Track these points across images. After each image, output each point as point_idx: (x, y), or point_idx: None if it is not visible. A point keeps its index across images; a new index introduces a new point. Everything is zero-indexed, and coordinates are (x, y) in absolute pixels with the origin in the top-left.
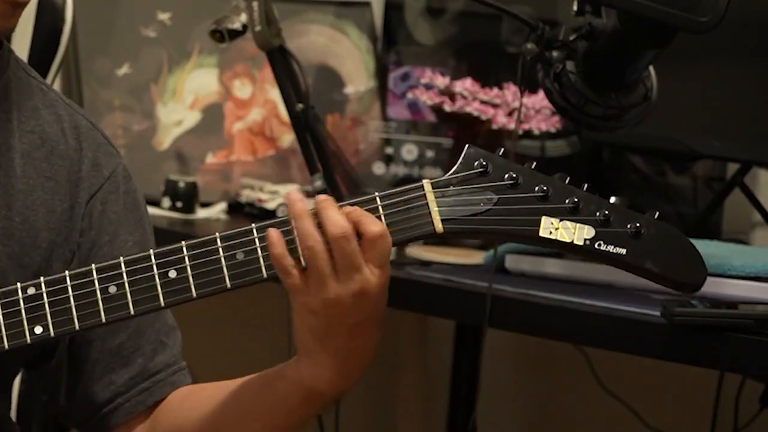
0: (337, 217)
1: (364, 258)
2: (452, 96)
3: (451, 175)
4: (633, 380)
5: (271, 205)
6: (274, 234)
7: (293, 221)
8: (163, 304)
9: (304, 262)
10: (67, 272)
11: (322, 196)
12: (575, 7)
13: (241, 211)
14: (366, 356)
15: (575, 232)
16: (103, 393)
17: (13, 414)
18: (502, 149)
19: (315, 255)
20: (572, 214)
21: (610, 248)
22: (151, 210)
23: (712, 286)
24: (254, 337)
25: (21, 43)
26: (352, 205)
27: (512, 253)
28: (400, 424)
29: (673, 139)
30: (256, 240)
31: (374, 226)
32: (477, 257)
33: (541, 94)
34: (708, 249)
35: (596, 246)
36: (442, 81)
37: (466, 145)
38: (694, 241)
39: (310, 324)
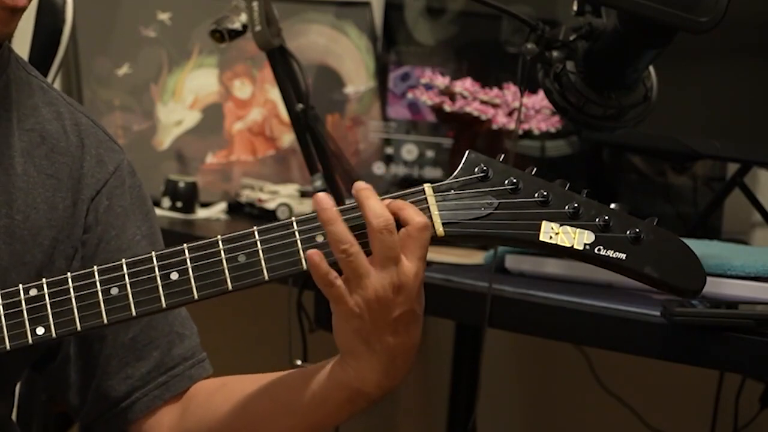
0: (381, 208)
1: (404, 249)
2: (452, 96)
3: (452, 179)
4: (633, 380)
5: (271, 205)
6: (315, 255)
7: (325, 227)
8: (164, 305)
9: (341, 265)
10: (69, 273)
11: (361, 184)
12: (575, 7)
13: (241, 211)
14: (410, 353)
15: (575, 237)
16: (119, 387)
17: (13, 414)
18: (503, 155)
19: (351, 257)
20: (572, 219)
21: (610, 253)
22: None
23: (712, 286)
24: (254, 340)
25: (21, 43)
26: (352, 208)
27: (512, 253)
28: (400, 424)
29: (673, 139)
30: (258, 242)
31: (419, 216)
32: (477, 257)
33: (541, 94)
34: (708, 249)
35: (596, 251)
36: (442, 81)
37: (467, 151)
38: (694, 241)
39: (354, 327)
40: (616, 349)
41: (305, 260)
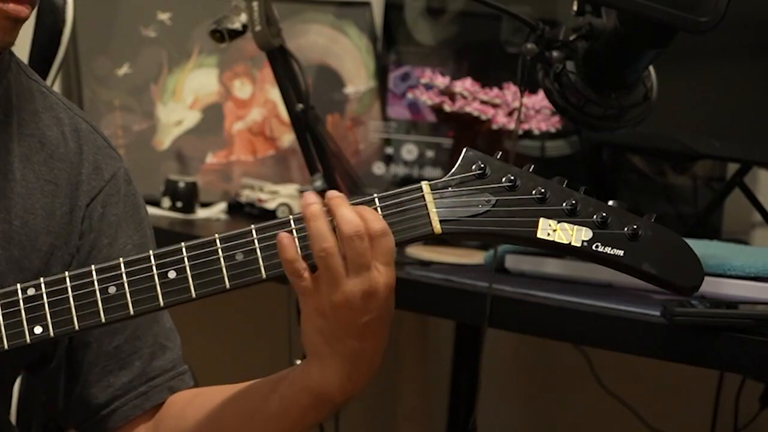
0: (351, 215)
1: (372, 256)
2: (452, 96)
3: (449, 176)
4: (633, 380)
5: (271, 205)
6: (285, 238)
7: (307, 223)
8: (162, 304)
9: (317, 263)
10: (66, 273)
11: (333, 193)
12: (575, 7)
13: (241, 211)
14: (375, 359)
15: (573, 234)
16: (100, 395)
17: (12, 413)
18: (500, 152)
19: (329, 257)
20: (570, 215)
21: (608, 250)
22: (151, 210)
23: (712, 286)
24: (254, 340)
25: (21, 44)
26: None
27: (512, 253)
28: (400, 424)
29: (673, 139)
30: (256, 241)
31: (376, 223)
32: (477, 257)
33: (541, 94)
34: (708, 249)
35: (594, 247)
36: (442, 81)
37: (465, 148)
38: (694, 241)
39: (319, 327)
40: (616, 349)
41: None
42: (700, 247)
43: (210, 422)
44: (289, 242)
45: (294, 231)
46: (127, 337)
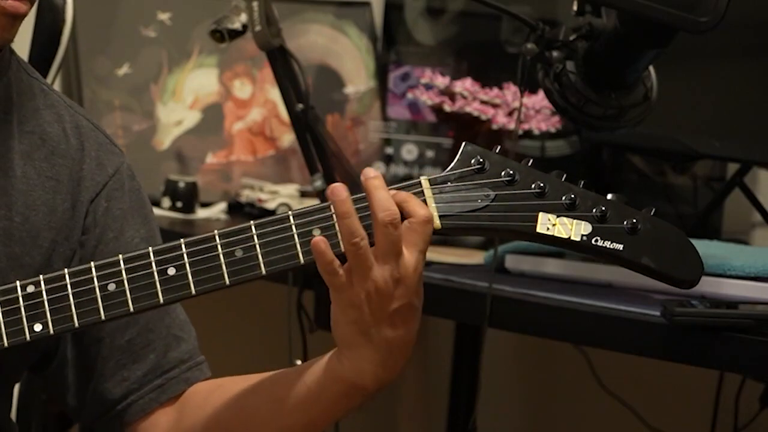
0: (388, 201)
1: (405, 241)
2: (452, 96)
3: (448, 171)
4: (633, 380)
5: (271, 205)
6: (321, 243)
7: (339, 220)
8: (162, 301)
9: (348, 256)
10: (66, 270)
11: (372, 172)
12: (575, 7)
13: (241, 211)
14: (407, 346)
15: (572, 228)
16: (115, 390)
17: (12, 413)
18: (499, 147)
19: (360, 249)
20: (569, 210)
21: (607, 244)
22: None
23: (712, 286)
24: (254, 340)
25: (21, 43)
26: (360, 198)
27: (512, 253)
28: (400, 424)
29: (673, 139)
30: (255, 237)
31: (423, 209)
32: (477, 257)
33: (541, 94)
34: (708, 249)
35: (593, 242)
36: (442, 81)
37: (464, 143)
38: (694, 241)
39: (353, 318)
40: (616, 349)
41: (302, 254)
42: (700, 247)
43: (235, 410)
44: (325, 247)
45: (293, 227)
46: (139, 331)
